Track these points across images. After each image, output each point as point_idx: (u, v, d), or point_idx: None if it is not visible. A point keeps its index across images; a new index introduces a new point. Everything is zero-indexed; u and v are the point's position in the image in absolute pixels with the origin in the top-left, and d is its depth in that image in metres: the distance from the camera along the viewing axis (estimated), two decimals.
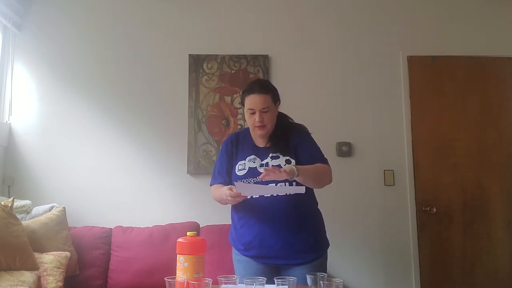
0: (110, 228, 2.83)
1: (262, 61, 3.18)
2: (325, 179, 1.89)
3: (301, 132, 1.97)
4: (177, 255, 1.47)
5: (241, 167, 1.89)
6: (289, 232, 1.81)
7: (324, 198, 3.33)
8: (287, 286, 1.42)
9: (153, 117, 3.13)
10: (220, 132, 3.11)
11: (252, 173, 1.84)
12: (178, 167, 3.07)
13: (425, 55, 3.23)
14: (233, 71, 3.17)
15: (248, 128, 2.02)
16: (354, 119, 3.18)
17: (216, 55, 3.18)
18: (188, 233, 1.52)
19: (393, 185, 3.08)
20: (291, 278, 1.44)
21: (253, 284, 1.40)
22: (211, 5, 3.28)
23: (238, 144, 1.97)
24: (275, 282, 1.43)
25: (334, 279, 1.39)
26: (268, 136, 1.93)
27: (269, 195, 1.82)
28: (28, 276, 2.16)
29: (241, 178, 1.86)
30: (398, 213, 3.06)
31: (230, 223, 2.04)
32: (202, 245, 1.51)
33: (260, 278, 1.42)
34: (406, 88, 3.20)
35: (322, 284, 1.38)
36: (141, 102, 3.15)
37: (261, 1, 3.30)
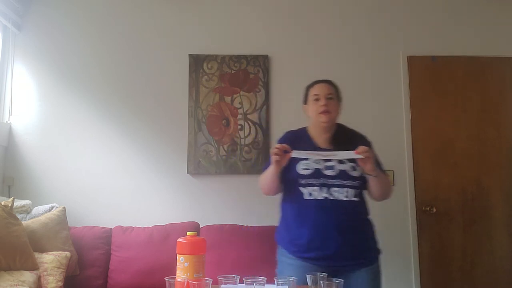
0: (110, 228, 2.82)
1: (262, 61, 3.18)
2: (389, 192, 1.90)
3: (364, 141, 1.90)
4: (177, 255, 1.47)
5: (305, 167, 1.81)
6: (351, 233, 1.78)
7: None
8: (287, 286, 1.42)
9: (153, 117, 3.13)
10: (220, 132, 3.11)
11: (318, 174, 1.79)
12: (178, 167, 3.07)
13: (425, 55, 3.24)
14: (233, 71, 3.17)
15: (303, 129, 1.97)
16: (354, 119, 3.16)
17: (216, 55, 3.18)
18: (188, 233, 1.52)
19: (393, 185, 3.08)
20: (291, 278, 1.44)
21: (253, 284, 1.40)
22: (211, 5, 3.28)
23: (295, 142, 1.82)
24: (275, 282, 1.43)
25: (334, 279, 1.39)
26: (330, 138, 1.89)
27: (331, 197, 1.78)
28: (28, 276, 2.16)
29: (306, 178, 1.80)
30: (398, 213, 3.06)
31: (279, 224, 1.96)
32: (202, 245, 1.51)
33: (260, 278, 1.42)
34: (406, 88, 3.20)
35: (322, 284, 1.38)
36: (141, 102, 3.15)
37: (261, 1, 3.30)
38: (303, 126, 1.99)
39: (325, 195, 1.78)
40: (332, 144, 1.88)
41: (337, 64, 3.22)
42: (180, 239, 1.49)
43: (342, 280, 1.39)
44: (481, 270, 3.02)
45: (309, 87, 1.97)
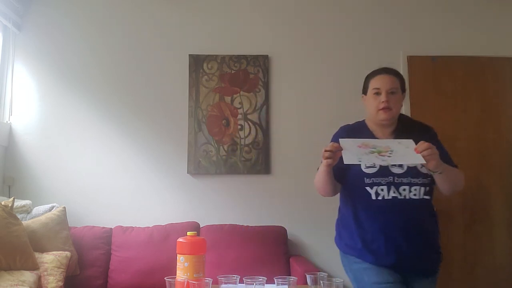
0: (110, 228, 2.83)
1: (262, 61, 3.18)
2: (460, 184, 1.72)
3: (430, 133, 1.77)
4: (177, 255, 1.48)
5: (370, 165, 1.65)
6: (422, 234, 1.65)
7: (325, 198, 3.32)
8: (287, 286, 1.42)
9: (153, 117, 3.13)
10: (220, 132, 3.11)
11: (384, 172, 1.65)
12: (178, 167, 3.07)
13: (425, 55, 3.23)
14: (233, 71, 3.17)
15: (361, 122, 1.85)
16: (354, 119, 3.17)
17: (216, 55, 3.18)
18: (188, 233, 1.52)
19: None
20: (291, 278, 1.44)
21: (253, 284, 1.40)
22: (211, 5, 3.28)
23: (352, 137, 1.67)
24: (275, 281, 1.43)
25: (334, 279, 1.39)
26: (391, 131, 1.75)
27: (400, 196, 1.63)
28: (28, 276, 2.16)
29: (372, 176, 1.65)
30: None
31: (337, 229, 1.84)
32: (202, 245, 1.51)
33: (260, 278, 1.42)
34: (406, 88, 3.19)
35: (322, 284, 1.38)
36: (141, 102, 3.15)
37: (261, 2, 3.30)
38: (360, 120, 1.86)
39: (393, 194, 1.63)
40: (394, 137, 1.72)
41: (337, 64, 3.22)
42: (180, 239, 1.50)
43: (342, 280, 1.39)
44: (481, 270, 3.02)
45: (369, 77, 1.79)
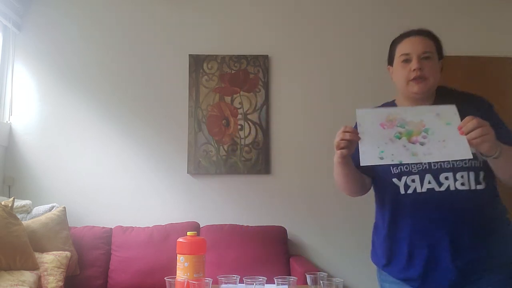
0: (110, 228, 2.83)
1: (262, 61, 3.18)
2: None
3: (482, 105, 1.40)
4: (177, 255, 1.47)
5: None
6: (479, 241, 1.22)
7: (324, 197, 3.33)
8: (287, 286, 1.42)
9: (153, 117, 3.13)
10: (220, 132, 3.11)
11: None
12: (178, 167, 3.07)
13: None
14: (233, 71, 3.17)
15: (390, 102, 1.47)
16: (355, 119, 3.18)
17: (216, 55, 3.18)
18: (188, 233, 1.52)
19: None
20: (291, 278, 1.44)
21: (253, 284, 1.40)
22: (211, 5, 3.28)
23: None
24: (275, 281, 1.43)
25: (334, 279, 1.38)
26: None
27: (440, 188, 1.23)
28: (28, 276, 2.16)
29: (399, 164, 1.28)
30: None
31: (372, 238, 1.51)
32: (202, 245, 1.51)
33: (260, 278, 1.42)
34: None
35: (322, 284, 1.38)
36: (141, 102, 3.15)
37: (261, 2, 3.30)
38: (389, 101, 1.48)
39: (429, 185, 1.25)
40: None
41: (337, 64, 3.22)
42: (180, 239, 1.49)
43: (342, 280, 1.38)
44: None
45: (396, 42, 1.43)
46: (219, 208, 3.06)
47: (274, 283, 1.43)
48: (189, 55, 3.18)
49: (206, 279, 1.35)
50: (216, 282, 1.46)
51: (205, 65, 3.17)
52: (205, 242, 1.53)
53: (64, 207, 2.72)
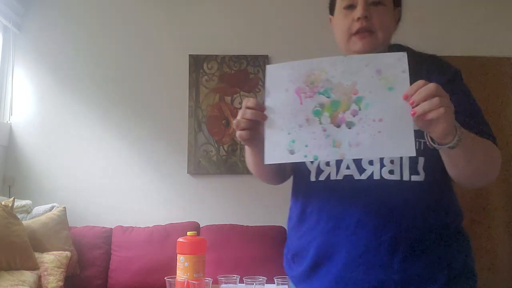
0: (111, 228, 2.83)
1: (262, 61, 3.18)
2: (493, 166, 0.96)
3: (447, 71, 1.08)
4: (177, 254, 1.48)
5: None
6: (412, 250, 0.88)
7: None
8: (287, 286, 1.42)
9: (153, 117, 3.13)
10: (220, 132, 3.11)
11: None
12: (178, 167, 3.07)
13: None
14: (233, 71, 3.17)
15: None
16: None
17: (216, 55, 3.18)
18: (188, 233, 1.52)
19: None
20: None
21: (253, 284, 1.40)
22: (211, 5, 3.28)
23: None
24: (275, 281, 1.43)
25: None
26: None
27: (361, 176, 0.90)
28: (28, 276, 2.16)
29: None
30: None
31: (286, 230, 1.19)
32: (202, 245, 1.51)
33: (260, 278, 1.42)
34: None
35: None
36: (141, 102, 3.15)
37: (261, 2, 3.30)
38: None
39: (348, 171, 0.91)
40: None
41: None
42: (180, 239, 1.50)
43: None
44: (481, 270, 3.02)
45: None
46: (219, 208, 3.06)
47: (274, 283, 1.44)
48: (189, 55, 3.18)
49: (206, 279, 1.35)
50: (216, 282, 1.46)
51: (205, 65, 3.17)
52: (205, 242, 1.53)
53: (64, 207, 2.72)
